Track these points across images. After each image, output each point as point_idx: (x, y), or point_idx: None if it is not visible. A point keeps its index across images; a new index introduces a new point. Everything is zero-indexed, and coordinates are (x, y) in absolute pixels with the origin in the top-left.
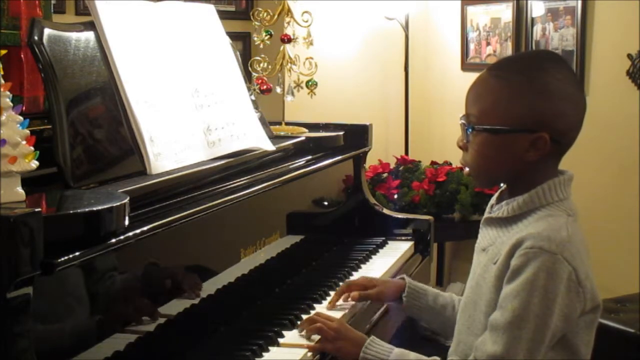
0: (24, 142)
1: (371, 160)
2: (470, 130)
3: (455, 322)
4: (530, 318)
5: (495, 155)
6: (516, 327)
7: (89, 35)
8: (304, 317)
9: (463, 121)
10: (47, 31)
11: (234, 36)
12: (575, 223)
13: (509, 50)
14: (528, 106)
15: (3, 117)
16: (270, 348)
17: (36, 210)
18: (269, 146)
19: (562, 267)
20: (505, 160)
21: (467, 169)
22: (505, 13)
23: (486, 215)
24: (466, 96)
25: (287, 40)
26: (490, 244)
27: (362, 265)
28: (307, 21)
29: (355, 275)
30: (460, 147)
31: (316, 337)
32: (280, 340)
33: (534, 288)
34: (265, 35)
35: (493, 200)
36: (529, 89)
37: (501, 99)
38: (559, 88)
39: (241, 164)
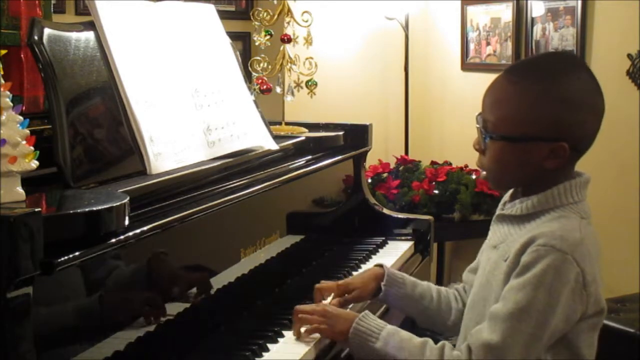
0: (24, 142)
1: (371, 160)
2: (487, 138)
3: (435, 312)
4: (532, 313)
5: (513, 163)
6: (516, 319)
7: (89, 35)
8: None
9: (480, 126)
10: (47, 31)
11: (234, 36)
12: (589, 226)
13: (509, 50)
14: (547, 115)
15: (3, 117)
16: (270, 347)
17: (36, 210)
18: (272, 145)
19: (570, 268)
20: (523, 167)
21: (483, 172)
22: (505, 13)
23: (498, 212)
24: (483, 99)
25: (287, 40)
26: (502, 241)
27: (362, 265)
28: (307, 21)
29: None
30: (477, 150)
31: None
32: (280, 340)
33: (540, 284)
34: (265, 35)
35: (506, 197)
36: (549, 98)
37: (520, 107)
38: (578, 96)
39: (241, 164)
